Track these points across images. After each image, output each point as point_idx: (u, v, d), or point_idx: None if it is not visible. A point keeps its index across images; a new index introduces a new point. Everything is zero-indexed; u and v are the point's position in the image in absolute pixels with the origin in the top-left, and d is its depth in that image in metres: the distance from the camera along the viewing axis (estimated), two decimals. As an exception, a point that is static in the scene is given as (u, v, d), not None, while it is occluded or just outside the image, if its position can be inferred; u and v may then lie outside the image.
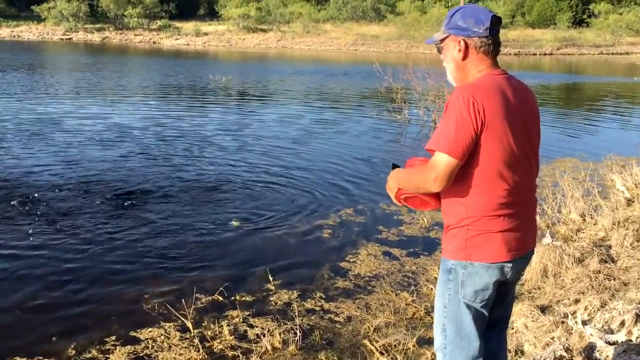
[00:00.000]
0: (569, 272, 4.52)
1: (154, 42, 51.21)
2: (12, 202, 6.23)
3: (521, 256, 2.25)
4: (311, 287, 4.57)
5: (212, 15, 62.31)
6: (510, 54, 44.74)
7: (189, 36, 53.10)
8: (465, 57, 2.24)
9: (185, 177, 7.60)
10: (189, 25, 56.45)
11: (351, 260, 5.11)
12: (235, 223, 5.89)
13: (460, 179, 2.14)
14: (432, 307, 2.93)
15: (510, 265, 2.21)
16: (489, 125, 2.06)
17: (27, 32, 53.09)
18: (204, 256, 5.13)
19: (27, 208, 6.10)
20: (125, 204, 6.40)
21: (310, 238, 5.64)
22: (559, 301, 4.08)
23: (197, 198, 6.74)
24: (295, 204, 6.70)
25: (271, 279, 4.57)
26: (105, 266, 4.85)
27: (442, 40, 2.31)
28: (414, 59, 15.74)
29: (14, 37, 51.11)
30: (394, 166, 2.46)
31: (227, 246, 5.38)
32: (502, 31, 2.29)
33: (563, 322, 3.61)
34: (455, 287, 2.25)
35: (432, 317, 2.66)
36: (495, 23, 2.20)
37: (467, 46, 2.22)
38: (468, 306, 2.24)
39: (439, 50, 2.35)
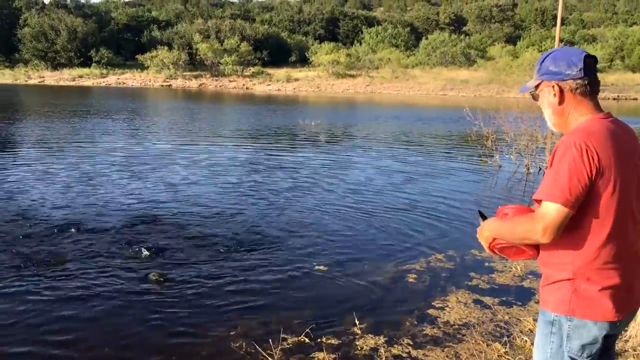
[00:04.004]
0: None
1: (247, 88, 53.29)
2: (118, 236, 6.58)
3: (631, 312, 2.11)
4: (398, 332, 4.47)
5: (303, 61, 64.20)
6: (608, 99, 42.91)
7: (280, 82, 54.90)
8: (561, 101, 2.17)
9: (274, 219, 7.73)
10: (280, 72, 58.43)
11: (440, 306, 4.96)
12: (321, 267, 5.88)
13: (567, 229, 2.03)
14: (529, 360, 2.78)
15: (619, 321, 2.07)
16: (603, 173, 1.97)
17: (131, 79, 56.80)
18: (291, 297, 5.15)
19: (140, 249, 6.41)
20: (215, 241, 6.58)
21: (398, 282, 5.54)
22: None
23: (285, 239, 6.82)
24: (382, 247, 6.63)
25: (357, 322, 4.52)
26: (194, 302, 4.97)
27: (537, 87, 2.26)
28: (505, 104, 15.44)
29: (119, 83, 54.84)
30: (481, 214, 2.39)
31: (314, 288, 5.38)
32: (599, 75, 2.20)
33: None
34: (558, 340, 2.12)
35: (528, 370, 2.51)
36: (590, 63, 2.13)
37: (561, 90, 2.16)
38: (573, 360, 2.11)
39: (535, 98, 2.30)
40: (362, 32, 73.52)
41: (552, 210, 1.98)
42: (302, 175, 11.03)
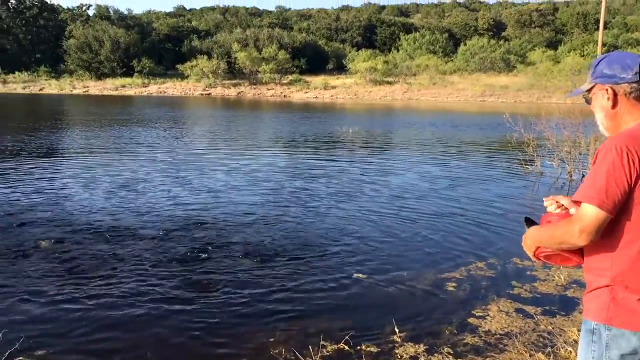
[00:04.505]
0: None
1: (284, 96, 53.70)
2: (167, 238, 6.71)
3: None
4: (438, 341, 4.43)
5: (340, 69, 64.37)
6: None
7: (317, 89, 55.14)
8: (614, 105, 2.14)
9: (314, 226, 7.77)
10: (318, 79, 58.68)
11: (481, 315, 4.90)
12: (362, 275, 5.88)
13: (606, 233, 2.01)
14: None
15: None
16: None
17: (172, 88, 57.86)
18: (331, 304, 5.16)
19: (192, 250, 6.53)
20: (256, 248, 6.65)
21: (438, 290, 5.49)
22: None
23: (325, 246, 6.84)
24: (422, 254, 6.60)
25: (397, 330, 4.50)
26: (235, 308, 5.03)
27: (589, 90, 2.24)
28: (546, 110, 15.14)
29: (160, 93, 55.95)
30: (527, 220, 2.37)
31: (354, 295, 5.38)
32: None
33: None
34: (599, 349, 2.09)
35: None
36: None
37: (615, 93, 2.13)
38: (613, 370, 2.06)
39: (587, 101, 2.28)
40: (399, 39, 73.22)
41: (588, 212, 1.97)
42: (341, 182, 11.05)
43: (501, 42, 67.96)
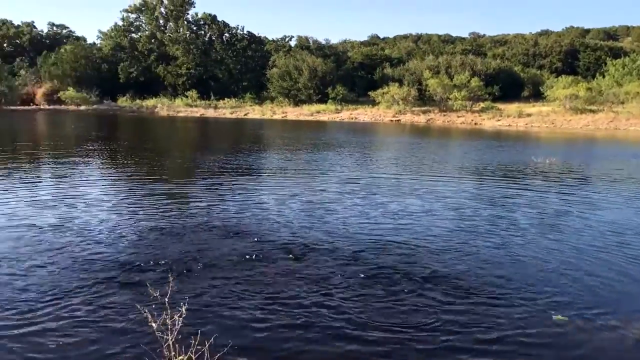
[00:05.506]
0: None
1: (475, 123, 52.35)
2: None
3: None
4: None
5: (537, 96, 61.21)
6: None
7: (511, 117, 52.93)
8: None
9: (509, 259, 7.37)
10: (511, 107, 56.37)
11: None
12: (559, 317, 5.39)
13: None
14: None
15: None
16: None
17: (363, 114, 59.53)
18: (528, 348, 4.81)
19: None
20: (443, 278, 6.45)
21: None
22: None
23: (522, 281, 6.43)
24: (634, 297, 5.88)
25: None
26: (432, 346, 4.89)
27: None
28: None
29: (352, 118, 57.85)
30: None
31: (553, 339, 4.98)
32: None
33: None
34: None
35: None
36: None
37: None
38: None
39: None
40: (605, 64, 67.68)
41: None
42: (542, 213, 10.38)
43: None
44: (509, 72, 67.26)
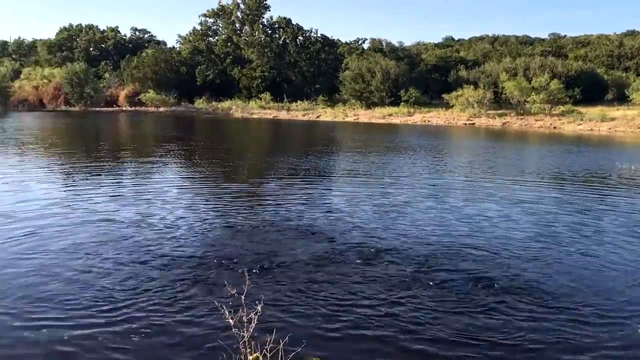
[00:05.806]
0: None
1: (554, 127, 50.48)
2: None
3: None
4: None
5: (621, 99, 58.37)
6: None
7: (592, 121, 50.68)
8: None
9: (597, 267, 7.04)
10: (594, 110, 53.98)
11: None
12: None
13: None
14: None
15: None
16: None
17: (436, 117, 58.62)
18: None
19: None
20: (519, 287, 6.24)
21: None
22: None
23: (598, 296, 6.13)
24: None
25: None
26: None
27: None
28: None
29: (424, 121, 57.10)
30: None
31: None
32: None
33: None
34: None
35: None
36: None
37: None
38: None
39: None
40: (698, 66, 63.83)
41: None
42: (625, 221, 9.89)
43: None
44: (592, 74, 64.45)
